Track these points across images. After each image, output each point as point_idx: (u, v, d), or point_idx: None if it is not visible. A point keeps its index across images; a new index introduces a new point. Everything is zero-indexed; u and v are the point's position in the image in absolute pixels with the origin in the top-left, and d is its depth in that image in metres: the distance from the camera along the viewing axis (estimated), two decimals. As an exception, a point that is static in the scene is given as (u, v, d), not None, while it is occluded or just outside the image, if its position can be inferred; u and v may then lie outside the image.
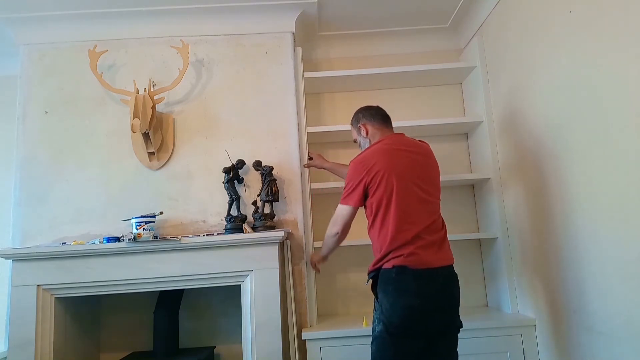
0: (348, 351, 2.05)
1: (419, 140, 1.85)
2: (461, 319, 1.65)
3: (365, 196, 1.69)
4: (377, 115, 1.86)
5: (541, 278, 2.02)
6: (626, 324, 1.51)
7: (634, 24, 1.38)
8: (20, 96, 2.35)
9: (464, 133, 2.72)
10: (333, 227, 1.79)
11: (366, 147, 1.83)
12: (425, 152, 1.80)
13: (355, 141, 1.96)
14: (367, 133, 1.85)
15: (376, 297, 1.63)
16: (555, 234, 1.88)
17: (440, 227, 1.69)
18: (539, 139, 1.97)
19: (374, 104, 1.94)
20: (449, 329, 1.62)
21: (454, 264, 1.69)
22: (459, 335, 1.66)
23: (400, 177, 1.64)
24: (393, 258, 1.58)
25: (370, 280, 1.68)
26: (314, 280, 2.29)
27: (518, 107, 2.14)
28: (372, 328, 1.62)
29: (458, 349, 1.68)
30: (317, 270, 2.16)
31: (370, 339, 1.64)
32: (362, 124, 1.87)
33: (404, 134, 1.84)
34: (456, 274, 1.68)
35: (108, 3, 2.30)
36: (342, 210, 1.74)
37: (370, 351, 1.62)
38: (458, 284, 1.67)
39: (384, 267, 1.60)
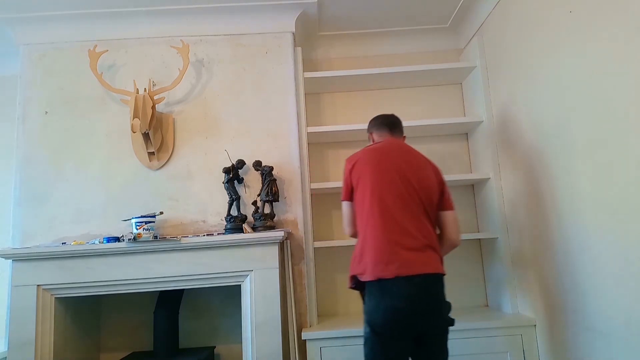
0: (348, 351, 2.05)
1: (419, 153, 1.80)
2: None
3: (352, 190, 1.75)
4: (382, 124, 1.92)
5: (541, 278, 2.02)
6: (626, 324, 1.51)
7: (634, 24, 1.38)
8: (20, 96, 2.35)
9: (464, 133, 2.72)
10: (345, 232, 1.83)
11: None
12: (417, 158, 1.75)
13: None
14: (373, 141, 1.92)
15: (363, 298, 1.65)
16: (556, 234, 1.88)
17: (427, 230, 1.63)
18: (538, 139, 1.97)
19: (389, 112, 1.99)
20: (435, 328, 1.59)
21: (441, 272, 1.62)
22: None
23: (379, 174, 1.66)
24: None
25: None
26: (314, 280, 2.28)
27: (518, 107, 2.14)
28: (363, 329, 1.62)
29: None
30: None
31: None
32: (370, 133, 1.95)
33: (401, 141, 1.86)
34: (440, 276, 1.61)
35: (108, 3, 2.30)
36: (342, 208, 1.80)
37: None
38: (441, 285, 1.60)
39: None
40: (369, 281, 1.57)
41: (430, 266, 1.57)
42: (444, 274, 1.61)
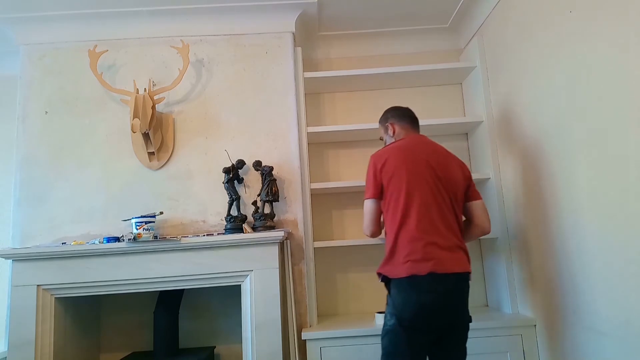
0: (348, 351, 2.05)
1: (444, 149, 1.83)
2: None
3: (382, 188, 1.73)
4: (405, 117, 1.90)
5: (541, 278, 2.02)
6: (625, 324, 1.51)
7: (634, 24, 1.38)
8: (20, 96, 2.35)
9: (464, 133, 2.72)
10: (366, 231, 1.79)
11: None
12: (443, 154, 1.79)
13: (381, 139, 2.00)
14: (393, 132, 1.89)
15: (389, 292, 1.66)
16: (555, 233, 1.88)
17: (455, 229, 1.68)
18: (538, 139, 1.97)
19: (404, 105, 1.97)
20: (460, 324, 1.64)
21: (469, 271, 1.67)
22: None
23: (412, 173, 1.67)
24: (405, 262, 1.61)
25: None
26: (314, 280, 2.28)
27: (518, 107, 2.14)
28: (384, 323, 1.64)
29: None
30: None
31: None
32: (390, 123, 1.90)
33: (425, 137, 1.86)
34: (468, 275, 1.66)
35: (108, 3, 2.30)
36: (365, 205, 1.77)
37: (379, 347, 1.63)
38: (468, 283, 1.67)
39: None
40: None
41: (461, 265, 1.62)
42: (471, 272, 1.66)
